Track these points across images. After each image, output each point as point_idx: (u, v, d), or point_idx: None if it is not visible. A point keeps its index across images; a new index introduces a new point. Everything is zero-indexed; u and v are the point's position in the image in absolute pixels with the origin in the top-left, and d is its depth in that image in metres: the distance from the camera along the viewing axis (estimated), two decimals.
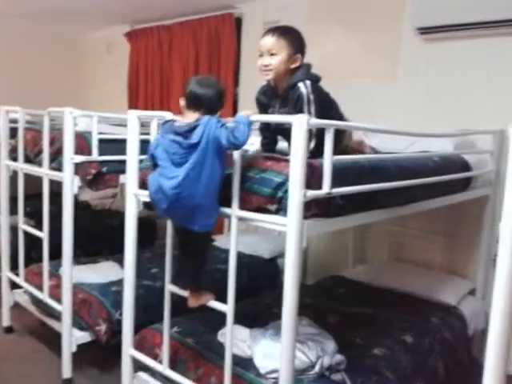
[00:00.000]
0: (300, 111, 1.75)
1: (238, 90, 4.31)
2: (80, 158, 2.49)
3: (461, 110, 2.98)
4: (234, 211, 1.69)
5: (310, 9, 3.70)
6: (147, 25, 4.95)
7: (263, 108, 2.00)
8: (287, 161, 1.55)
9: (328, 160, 1.57)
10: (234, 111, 4.26)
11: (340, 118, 1.94)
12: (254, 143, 2.04)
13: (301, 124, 1.49)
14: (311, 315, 2.20)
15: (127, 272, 2.15)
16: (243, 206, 1.69)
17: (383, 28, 3.36)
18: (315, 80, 1.85)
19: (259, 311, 2.40)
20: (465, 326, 2.62)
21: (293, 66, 1.84)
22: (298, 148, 1.49)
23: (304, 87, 1.77)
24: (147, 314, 2.44)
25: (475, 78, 2.95)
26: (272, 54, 1.81)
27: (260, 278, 3.33)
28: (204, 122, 1.63)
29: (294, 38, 1.85)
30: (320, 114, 1.75)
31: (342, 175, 1.66)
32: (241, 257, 3.23)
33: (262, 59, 1.85)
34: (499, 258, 1.10)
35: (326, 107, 1.85)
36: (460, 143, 2.66)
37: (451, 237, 3.05)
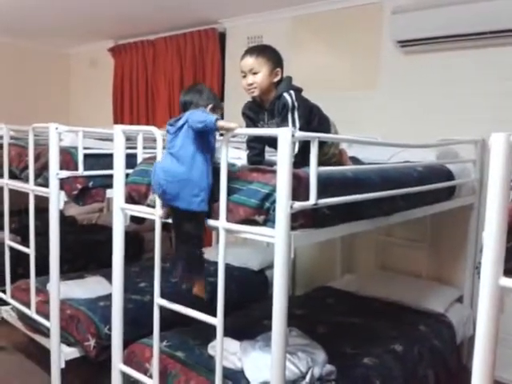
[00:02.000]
0: (285, 118, 1.84)
1: (223, 104, 4.34)
2: (65, 174, 2.48)
3: (442, 120, 3.05)
4: (222, 223, 1.70)
5: (292, 24, 3.77)
6: (131, 40, 4.97)
7: (251, 122, 2.05)
8: (273, 172, 1.57)
9: (314, 171, 1.59)
10: None
11: (323, 121, 2.03)
12: (240, 157, 2.07)
13: (285, 137, 1.51)
14: (301, 326, 2.21)
15: (115, 286, 2.14)
16: (231, 217, 1.70)
17: (364, 42, 3.45)
18: (297, 90, 1.94)
19: (249, 323, 2.39)
20: (453, 334, 2.64)
21: (275, 79, 1.93)
22: (283, 160, 1.51)
23: (288, 96, 1.87)
24: (136, 329, 2.42)
25: (455, 88, 3.02)
26: (254, 73, 1.91)
27: (249, 290, 3.33)
28: (190, 112, 1.79)
29: (271, 54, 1.95)
30: (304, 120, 1.86)
31: (327, 186, 1.69)
32: (230, 269, 3.28)
33: (245, 79, 1.94)
34: (483, 266, 1.12)
35: (309, 113, 1.95)
36: (443, 153, 2.71)
37: (437, 245, 3.09)
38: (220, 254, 1.72)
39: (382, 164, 2.38)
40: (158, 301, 1.97)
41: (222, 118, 2.09)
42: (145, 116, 4.88)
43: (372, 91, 3.39)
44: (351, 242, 3.47)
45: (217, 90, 4.28)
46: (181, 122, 1.79)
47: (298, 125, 1.83)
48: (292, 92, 1.88)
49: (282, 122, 1.85)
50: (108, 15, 4.18)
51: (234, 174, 1.74)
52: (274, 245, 1.55)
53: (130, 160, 2.21)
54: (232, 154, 2.00)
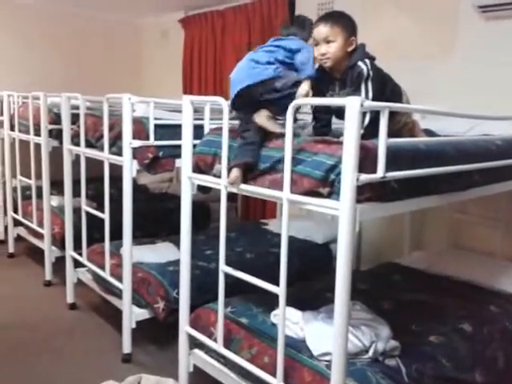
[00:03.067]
0: (358, 88, 1.79)
1: None
2: (138, 143, 2.57)
3: None
4: (286, 194, 1.69)
5: None
6: (201, 10, 5.00)
7: (318, 92, 1.99)
8: (339, 143, 1.54)
9: (382, 143, 1.53)
10: None
11: (395, 90, 1.96)
12: (305, 123, 2.03)
13: (354, 106, 1.46)
14: (365, 301, 2.18)
15: (183, 253, 2.22)
16: (295, 189, 1.68)
17: (441, 6, 3.24)
18: (371, 58, 1.87)
19: (312, 295, 2.40)
20: None
21: (349, 49, 1.87)
22: (351, 130, 1.46)
23: (364, 65, 1.81)
24: (202, 294, 2.52)
25: None
26: (328, 42, 1.85)
27: (313, 262, 3.34)
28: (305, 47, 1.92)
29: (346, 23, 1.88)
30: (377, 91, 1.79)
31: (397, 158, 1.63)
32: (293, 241, 3.28)
33: (318, 48, 1.88)
34: None
35: (383, 83, 1.88)
36: None
37: None
38: (283, 225, 1.72)
39: (458, 136, 2.26)
40: (223, 268, 2.01)
41: None
42: (212, 87, 4.93)
43: (448, 59, 3.20)
44: (421, 217, 3.34)
45: None
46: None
47: (370, 94, 1.77)
48: (367, 61, 1.82)
49: (355, 92, 1.78)
50: None
51: (298, 145, 1.72)
52: (338, 218, 1.52)
53: (198, 131, 2.25)
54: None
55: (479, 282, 2.70)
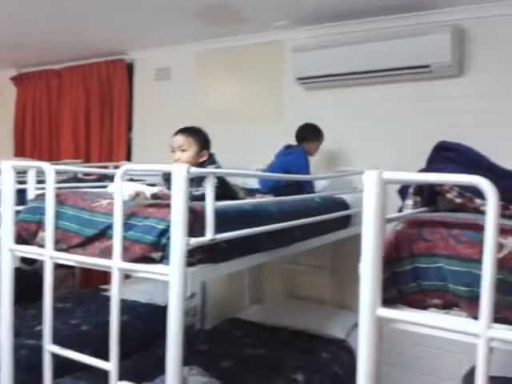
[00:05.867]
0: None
1: (132, 134, 4.27)
2: None
3: (340, 151, 3.23)
4: (116, 263, 1.63)
5: (197, 59, 3.82)
6: (35, 69, 4.78)
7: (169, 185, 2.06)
8: (169, 206, 1.56)
9: (210, 206, 1.59)
10: (128, 155, 4.22)
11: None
12: (147, 190, 2.03)
13: (180, 172, 1.50)
14: (204, 362, 2.17)
15: (3, 332, 1.96)
16: (127, 256, 1.64)
17: (268, 77, 3.59)
18: (218, 166, 2.08)
19: (151, 364, 2.30)
20: (354, 359, 2.70)
21: (200, 160, 2.08)
22: (178, 195, 1.49)
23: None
24: (31, 375, 2.22)
25: (353, 122, 3.24)
26: (183, 150, 2.06)
27: (156, 326, 3.20)
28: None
29: (200, 137, 2.12)
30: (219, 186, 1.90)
31: (225, 220, 1.70)
32: (136, 306, 3.17)
33: (173, 155, 2.09)
34: (361, 297, 1.18)
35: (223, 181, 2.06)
36: (336, 184, 2.84)
37: (338, 271, 3.21)
38: (113, 297, 1.65)
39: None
40: (49, 348, 1.83)
41: None
42: (48, 148, 4.66)
43: (278, 124, 3.51)
44: (258, 271, 3.50)
45: (124, 122, 4.22)
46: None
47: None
48: (214, 165, 2.05)
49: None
50: (7, 42, 3.99)
51: (130, 209, 1.70)
52: (169, 283, 1.52)
53: (21, 196, 2.10)
54: (130, 187, 1.96)
55: (312, 330, 2.88)
